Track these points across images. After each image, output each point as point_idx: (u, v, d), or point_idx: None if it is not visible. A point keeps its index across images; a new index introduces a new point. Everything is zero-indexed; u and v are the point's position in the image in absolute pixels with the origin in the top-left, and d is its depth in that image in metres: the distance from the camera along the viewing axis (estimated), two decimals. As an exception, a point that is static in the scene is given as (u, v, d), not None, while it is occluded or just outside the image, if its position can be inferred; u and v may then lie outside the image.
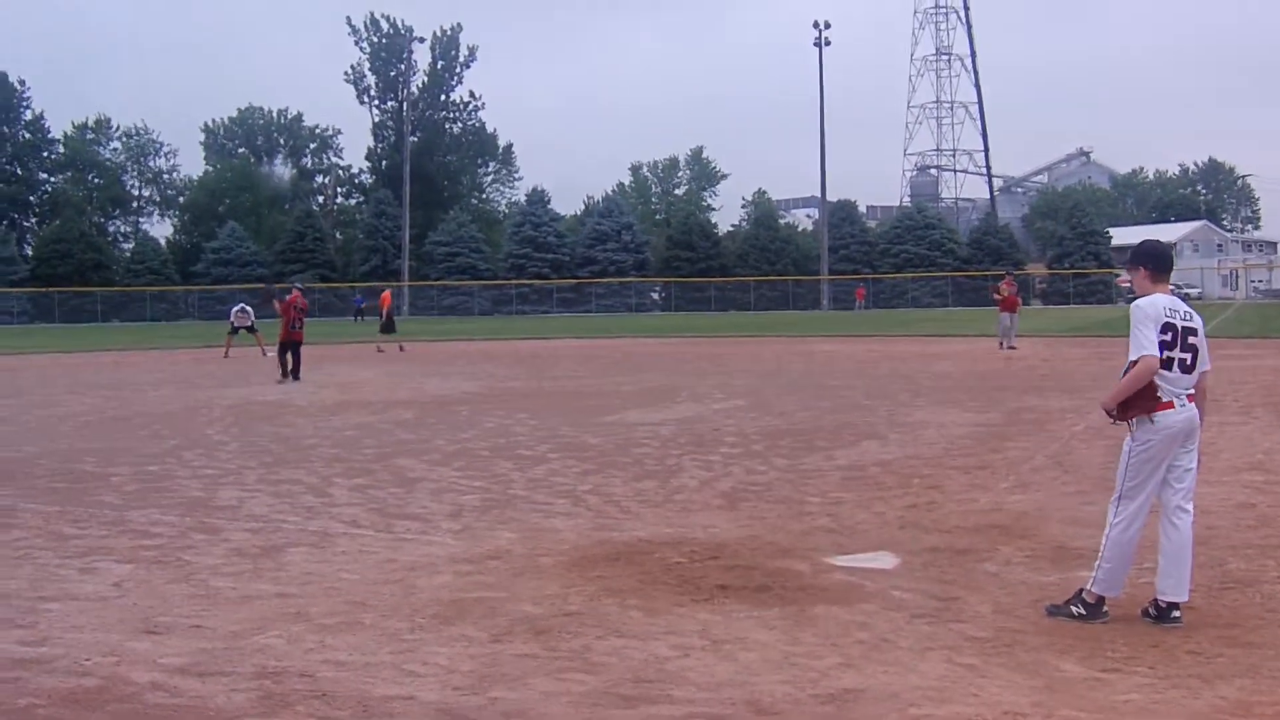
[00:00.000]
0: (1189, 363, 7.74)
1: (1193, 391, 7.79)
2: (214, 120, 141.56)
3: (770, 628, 7.67)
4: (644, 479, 14.00)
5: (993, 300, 42.44)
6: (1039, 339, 39.51)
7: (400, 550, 10.24)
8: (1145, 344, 7.63)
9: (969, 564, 9.48)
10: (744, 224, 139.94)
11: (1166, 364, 7.66)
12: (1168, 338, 7.67)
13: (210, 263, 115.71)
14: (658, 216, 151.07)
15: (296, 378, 30.89)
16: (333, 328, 72.93)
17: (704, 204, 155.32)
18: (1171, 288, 8.15)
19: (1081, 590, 7.83)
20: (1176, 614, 7.65)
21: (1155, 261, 8.04)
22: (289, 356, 31.36)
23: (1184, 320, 7.76)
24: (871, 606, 8.17)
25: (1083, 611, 7.74)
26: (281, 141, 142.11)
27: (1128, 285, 8.15)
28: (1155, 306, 7.75)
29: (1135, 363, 7.62)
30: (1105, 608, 7.75)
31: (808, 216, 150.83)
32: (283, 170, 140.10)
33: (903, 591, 8.59)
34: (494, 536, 10.78)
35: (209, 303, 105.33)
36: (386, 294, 51.49)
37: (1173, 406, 7.67)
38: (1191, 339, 7.76)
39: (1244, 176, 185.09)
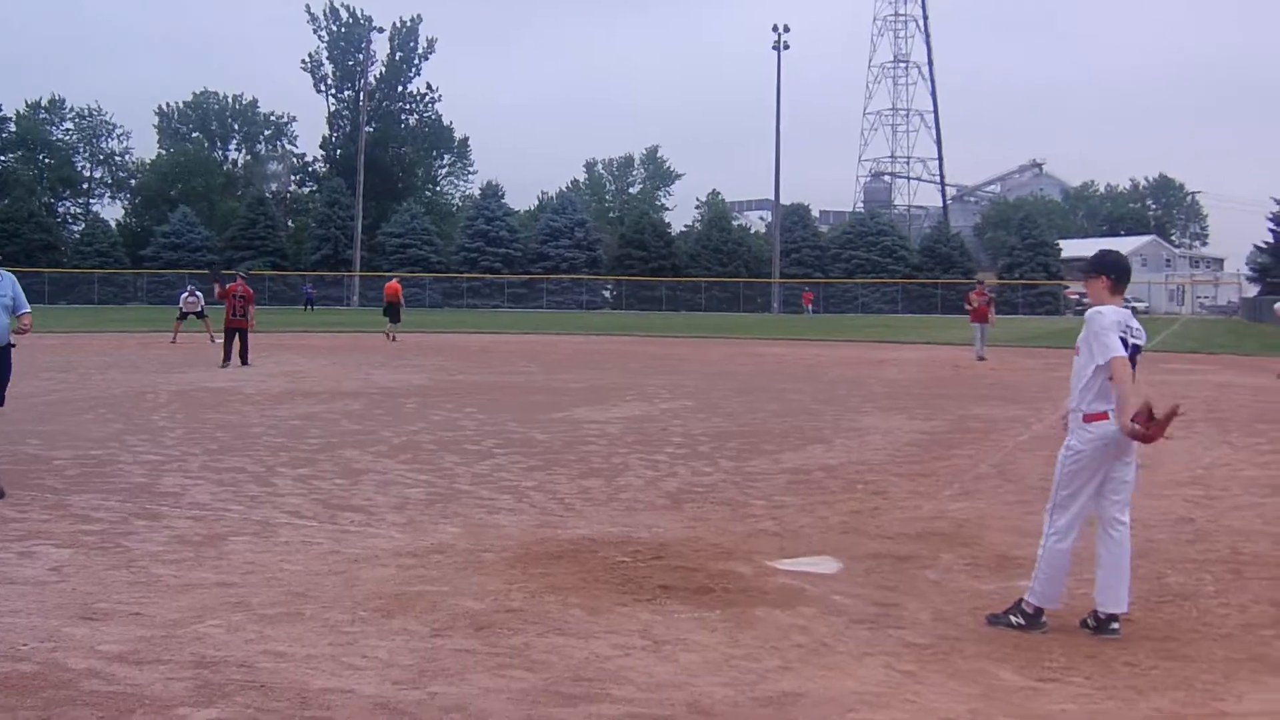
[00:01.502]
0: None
1: None
2: (168, 104, 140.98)
3: (711, 629, 7.68)
4: (589, 477, 14.02)
5: (965, 310, 42.55)
6: (987, 348, 39.61)
7: (343, 542, 10.22)
8: (1113, 346, 7.66)
9: (910, 570, 9.53)
10: (697, 225, 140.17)
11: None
12: None
13: (160, 247, 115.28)
14: (611, 214, 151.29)
15: (245, 362, 31.26)
16: (283, 316, 72.65)
17: (658, 203, 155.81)
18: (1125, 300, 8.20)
19: (1021, 600, 7.87)
20: (1115, 625, 7.70)
21: (1118, 271, 8.05)
22: (234, 342, 31.79)
23: (1134, 337, 7.80)
24: (812, 611, 8.19)
25: (1021, 622, 7.77)
26: (236, 127, 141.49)
27: (1076, 297, 8.20)
28: (1115, 317, 7.79)
29: (1103, 366, 7.65)
30: (1044, 618, 7.78)
31: (761, 219, 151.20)
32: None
33: (844, 596, 8.63)
34: (438, 531, 10.78)
35: (158, 287, 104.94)
36: (394, 284, 51.27)
37: (1107, 418, 7.70)
38: (1137, 356, 7.81)
39: (1194, 193, 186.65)
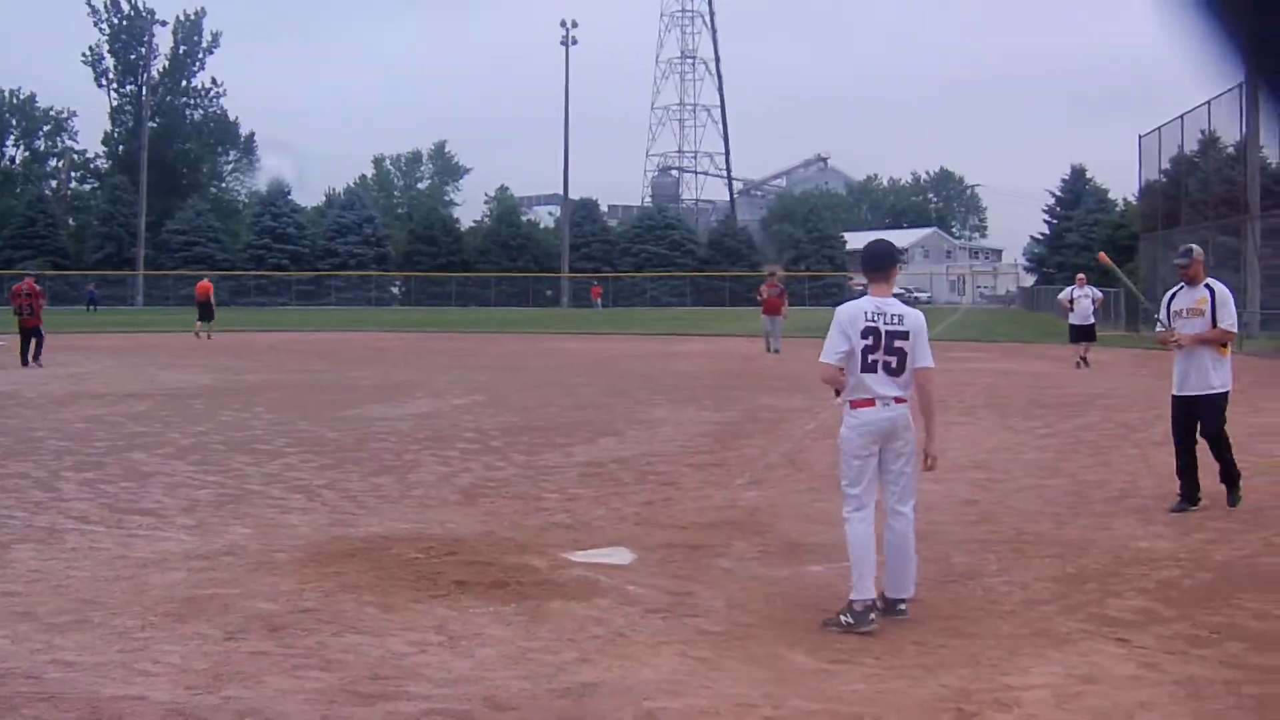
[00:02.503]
0: (894, 365, 7.86)
1: (901, 394, 7.90)
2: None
3: (507, 623, 7.71)
4: (381, 474, 13.94)
5: (757, 302, 42.44)
6: (781, 340, 40.11)
7: (131, 546, 10.04)
8: (824, 349, 7.93)
9: (703, 559, 9.64)
10: (486, 220, 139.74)
11: (871, 367, 7.82)
12: (869, 341, 7.82)
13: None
14: (399, 210, 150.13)
15: (24, 364, 31.07)
16: (64, 317, 70.79)
17: (446, 199, 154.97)
18: (899, 290, 8.38)
19: (851, 600, 7.74)
20: (902, 607, 7.87)
21: (864, 261, 8.33)
22: (27, 344, 31.83)
23: (890, 324, 7.88)
24: (607, 602, 8.26)
25: (850, 620, 7.65)
26: (14, 123, 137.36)
27: (861, 288, 8.35)
28: (852, 311, 7.95)
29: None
30: (873, 615, 7.67)
31: (550, 214, 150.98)
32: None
33: (638, 587, 8.71)
34: (228, 532, 10.64)
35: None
36: (205, 283, 50.66)
37: (873, 405, 7.83)
38: (899, 342, 7.88)
39: (972, 186, 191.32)
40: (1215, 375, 11.42)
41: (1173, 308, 11.78)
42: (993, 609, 8.14)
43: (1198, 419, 11.54)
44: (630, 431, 17.90)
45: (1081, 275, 34.69)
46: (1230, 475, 11.64)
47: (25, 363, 31.27)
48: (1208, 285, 11.63)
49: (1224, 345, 11.54)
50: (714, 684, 6.56)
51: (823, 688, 6.54)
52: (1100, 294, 35.82)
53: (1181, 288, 11.83)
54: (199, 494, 12.60)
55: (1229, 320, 11.47)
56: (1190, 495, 11.61)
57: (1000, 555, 9.81)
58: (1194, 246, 12.02)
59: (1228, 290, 11.74)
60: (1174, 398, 11.75)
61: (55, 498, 12.38)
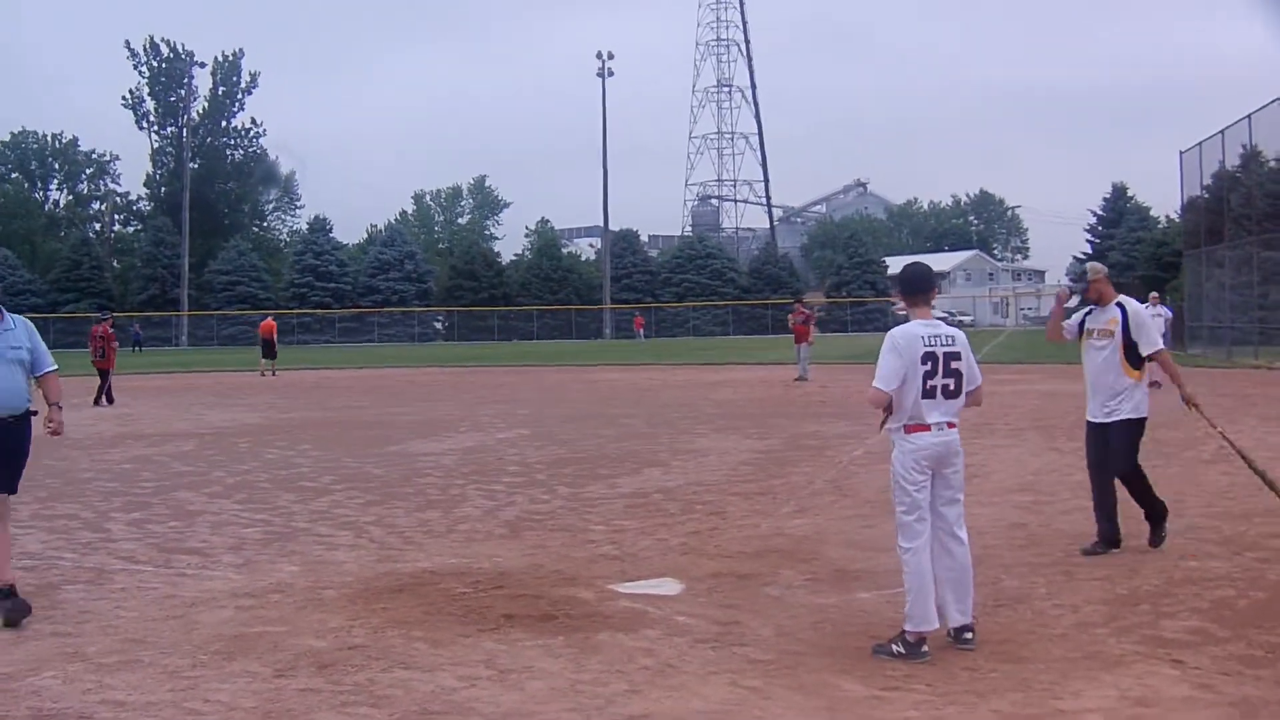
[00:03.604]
0: (953, 388, 7.81)
1: (953, 420, 7.84)
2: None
3: (556, 656, 7.69)
4: (427, 509, 13.95)
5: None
6: (817, 366, 40.03)
7: (180, 585, 10.06)
8: (879, 374, 7.76)
9: (751, 588, 9.61)
10: (527, 253, 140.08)
11: (930, 392, 7.72)
12: (928, 367, 7.72)
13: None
14: (441, 245, 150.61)
15: (96, 403, 32.76)
16: (107, 359, 71.31)
17: (487, 233, 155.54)
18: (939, 312, 8.30)
19: (904, 630, 7.69)
20: (969, 635, 7.80)
21: (904, 284, 8.16)
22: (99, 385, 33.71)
23: (945, 346, 7.81)
24: (656, 633, 8.24)
25: (902, 650, 7.58)
26: (56, 167, 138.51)
27: (904, 312, 8.21)
28: (909, 336, 7.82)
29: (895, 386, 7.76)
30: (925, 647, 7.59)
31: (590, 245, 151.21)
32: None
33: (686, 617, 8.68)
34: (276, 570, 10.65)
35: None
36: (269, 322, 53.02)
37: (928, 430, 7.74)
38: (955, 363, 7.82)
39: (1013, 208, 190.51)
40: (1125, 400, 10.68)
41: (1086, 325, 11.02)
42: (1044, 633, 8.09)
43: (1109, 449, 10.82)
44: (675, 461, 17.87)
45: (1155, 294, 34.41)
46: (1154, 514, 10.95)
47: (98, 402, 32.78)
48: (1119, 304, 10.85)
49: (1136, 369, 10.70)
50: (765, 713, 6.53)
51: (875, 715, 6.50)
52: (1170, 312, 35.52)
53: (1094, 308, 11.04)
54: (246, 532, 12.63)
55: (1147, 343, 10.68)
56: (1108, 537, 10.80)
57: (1050, 578, 9.74)
58: (1091, 265, 11.34)
59: (1142, 308, 11.06)
60: (1088, 423, 11.04)
61: (104, 538, 12.43)
